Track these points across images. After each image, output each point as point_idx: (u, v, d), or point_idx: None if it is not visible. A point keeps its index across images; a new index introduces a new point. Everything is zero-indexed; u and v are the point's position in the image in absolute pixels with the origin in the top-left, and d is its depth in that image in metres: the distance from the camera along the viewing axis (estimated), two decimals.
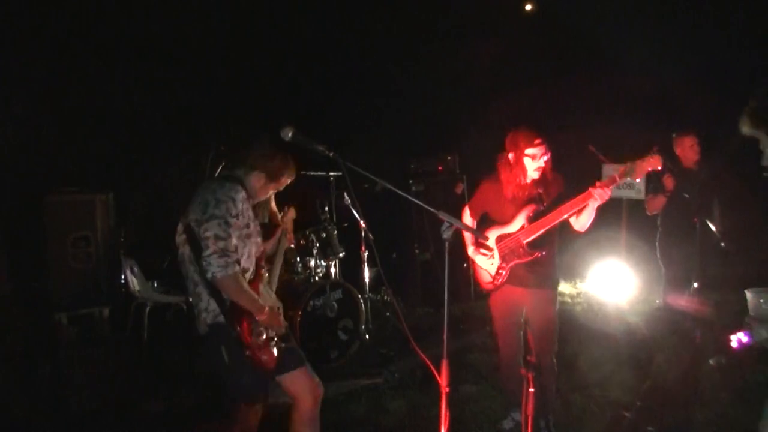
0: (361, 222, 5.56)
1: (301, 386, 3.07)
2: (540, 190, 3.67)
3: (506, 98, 7.53)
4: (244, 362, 2.84)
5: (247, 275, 2.94)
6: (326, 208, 5.81)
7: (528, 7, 8.61)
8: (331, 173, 6.03)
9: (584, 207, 3.55)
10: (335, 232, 5.76)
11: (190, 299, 3.02)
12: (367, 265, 6.00)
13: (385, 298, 6.74)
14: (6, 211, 5.10)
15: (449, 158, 7.50)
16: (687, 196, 5.04)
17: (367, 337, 5.66)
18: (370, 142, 7.23)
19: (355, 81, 8.10)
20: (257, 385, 2.97)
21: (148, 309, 5.60)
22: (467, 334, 5.99)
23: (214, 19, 7.05)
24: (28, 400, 4.33)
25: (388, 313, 6.25)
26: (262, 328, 2.92)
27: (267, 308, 2.92)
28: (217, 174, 3.10)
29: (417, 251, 7.40)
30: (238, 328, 2.83)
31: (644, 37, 7.38)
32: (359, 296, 5.60)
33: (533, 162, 3.61)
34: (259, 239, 3.07)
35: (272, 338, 2.97)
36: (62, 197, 5.51)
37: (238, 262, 2.82)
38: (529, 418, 3.26)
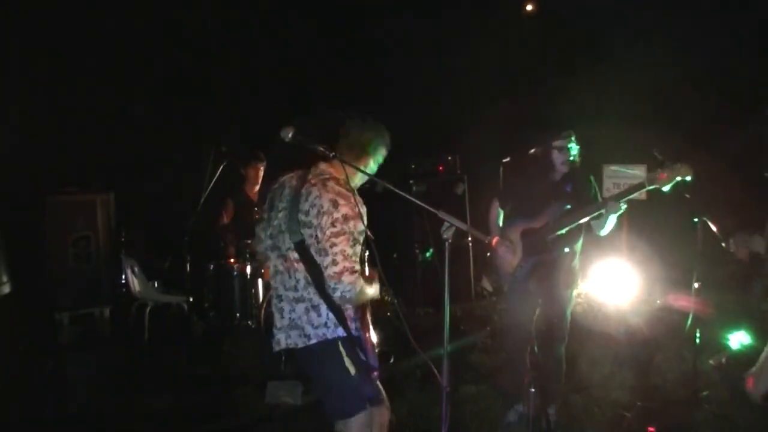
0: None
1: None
2: (568, 189, 3.69)
3: (507, 99, 7.54)
4: (364, 369, 2.73)
5: None
6: None
7: (528, 7, 8.61)
8: None
9: (600, 214, 3.53)
10: None
11: (293, 319, 2.72)
12: (368, 266, 5.98)
13: (386, 298, 6.74)
14: (7, 211, 5.10)
15: (450, 158, 7.49)
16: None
17: None
18: None
19: (355, 81, 8.10)
20: (374, 387, 2.82)
21: (148, 309, 5.61)
22: (468, 334, 5.99)
23: (215, 18, 7.06)
24: (29, 400, 4.33)
25: (388, 313, 6.24)
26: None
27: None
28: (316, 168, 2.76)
29: (417, 251, 7.40)
30: (366, 335, 2.78)
31: (645, 37, 7.38)
32: None
33: (560, 155, 3.63)
34: None
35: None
36: (63, 197, 5.52)
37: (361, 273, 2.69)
38: (531, 417, 3.27)
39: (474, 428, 4.05)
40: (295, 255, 2.67)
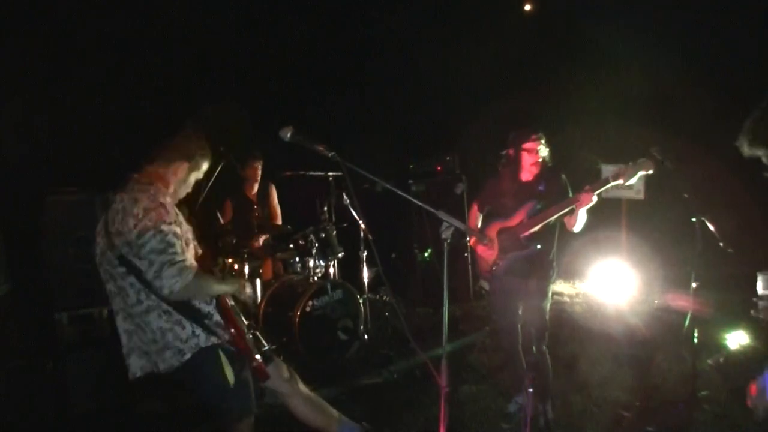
0: (361, 222, 5.56)
1: (278, 380, 3.07)
2: (541, 188, 3.83)
3: (505, 98, 7.54)
4: (244, 375, 2.79)
5: None
6: (325, 208, 5.82)
7: (527, 7, 8.62)
8: (330, 173, 6.04)
9: (572, 209, 3.66)
10: (334, 233, 5.76)
11: (157, 339, 2.65)
12: (367, 266, 6.00)
13: (385, 298, 6.75)
14: (6, 210, 5.10)
15: (449, 158, 7.50)
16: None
17: (366, 337, 5.66)
18: (370, 142, 7.24)
19: (354, 81, 8.10)
20: (252, 394, 2.90)
21: None
22: (467, 334, 6.00)
23: (215, 18, 7.06)
24: (28, 400, 4.33)
25: (387, 313, 6.25)
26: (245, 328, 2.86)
27: (241, 280, 2.90)
28: (128, 181, 2.75)
29: (416, 251, 7.40)
30: (235, 337, 2.72)
31: (644, 37, 7.39)
32: (359, 296, 5.61)
33: (530, 156, 3.79)
34: (194, 243, 2.84)
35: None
36: (62, 197, 5.50)
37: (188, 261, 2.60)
38: (529, 417, 3.28)
39: (473, 428, 4.06)
40: (122, 269, 2.59)
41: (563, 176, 3.90)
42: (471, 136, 7.54)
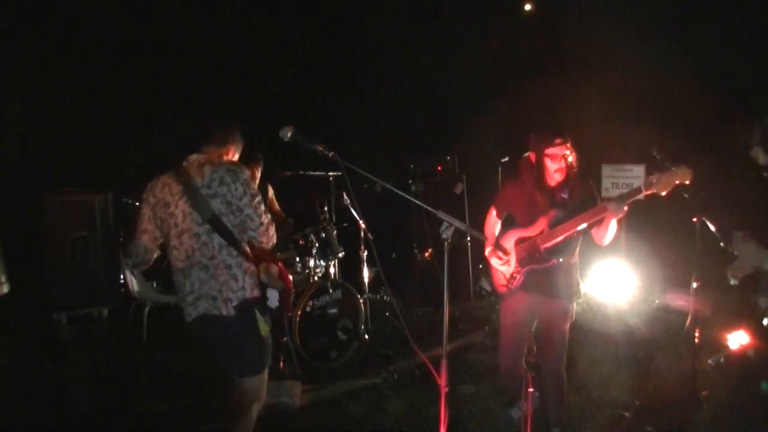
0: (361, 222, 5.56)
1: None
2: (564, 195, 3.53)
3: (505, 98, 7.54)
4: (268, 334, 3.16)
5: None
6: (325, 208, 5.81)
7: (527, 7, 8.62)
8: (330, 173, 6.04)
9: (602, 220, 3.36)
10: (334, 233, 5.76)
11: (222, 289, 3.06)
12: (367, 265, 5.99)
13: (385, 298, 6.75)
14: (4, 210, 5.10)
15: (448, 158, 7.49)
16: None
17: (366, 337, 5.66)
18: (370, 142, 7.24)
19: (354, 81, 8.10)
20: (269, 351, 3.26)
21: (147, 309, 5.60)
22: (466, 334, 6.00)
23: (215, 18, 7.06)
24: (28, 400, 4.33)
25: (387, 313, 6.25)
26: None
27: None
28: (211, 159, 3.18)
29: (416, 251, 7.40)
30: (288, 283, 3.25)
31: (644, 37, 7.38)
32: (358, 296, 5.61)
33: (554, 163, 3.47)
34: None
35: None
36: (61, 197, 5.50)
37: None
38: (528, 418, 3.27)
39: (472, 428, 4.05)
40: (207, 227, 3.03)
41: (591, 183, 3.60)
42: (471, 136, 7.54)
